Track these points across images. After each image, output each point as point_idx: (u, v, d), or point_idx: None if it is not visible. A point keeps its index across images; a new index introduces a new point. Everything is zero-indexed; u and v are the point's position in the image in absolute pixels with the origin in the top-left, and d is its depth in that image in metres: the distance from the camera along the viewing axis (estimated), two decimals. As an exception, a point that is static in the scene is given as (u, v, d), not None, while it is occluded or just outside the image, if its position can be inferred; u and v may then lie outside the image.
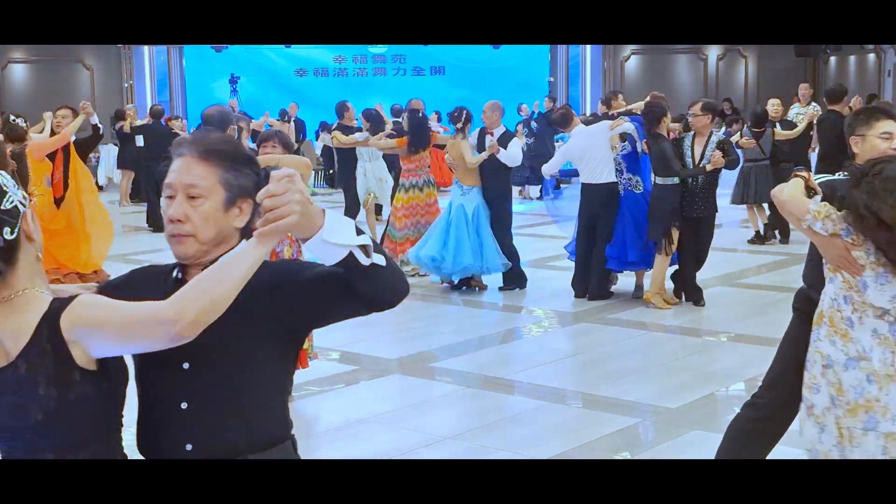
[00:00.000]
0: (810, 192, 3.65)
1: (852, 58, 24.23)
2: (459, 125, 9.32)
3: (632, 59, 25.43)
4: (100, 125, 9.59)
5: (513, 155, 9.05)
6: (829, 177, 3.69)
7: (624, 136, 8.61)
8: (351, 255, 2.08)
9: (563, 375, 6.55)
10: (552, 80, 24.50)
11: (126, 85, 24.11)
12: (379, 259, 2.11)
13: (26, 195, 2.18)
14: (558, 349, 7.25)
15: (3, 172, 2.14)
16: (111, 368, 2.17)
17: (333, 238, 2.08)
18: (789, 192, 3.67)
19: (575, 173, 9.58)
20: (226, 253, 2.25)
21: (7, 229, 2.10)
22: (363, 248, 2.09)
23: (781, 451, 4.10)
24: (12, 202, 2.12)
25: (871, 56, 23.36)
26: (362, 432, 5.52)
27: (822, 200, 3.57)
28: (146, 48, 23.79)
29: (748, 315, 8.17)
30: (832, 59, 24.85)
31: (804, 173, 3.70)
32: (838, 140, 9.48)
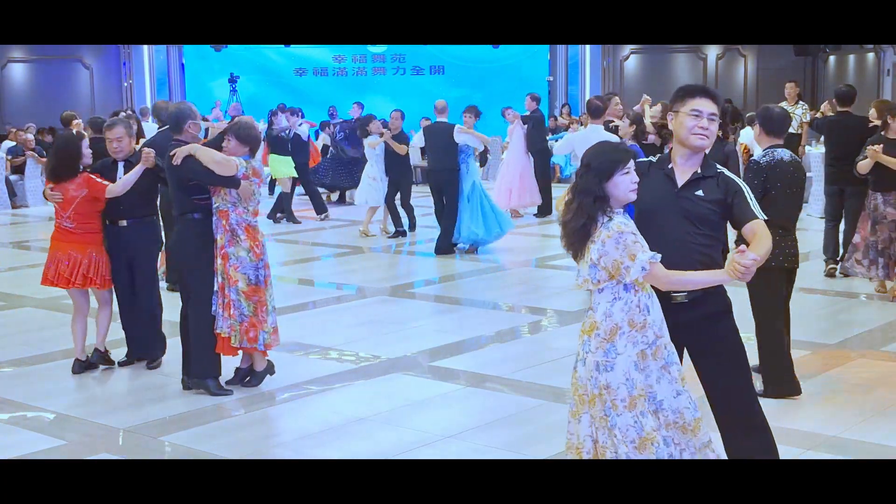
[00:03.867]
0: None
1: (851, 57, 24.20)
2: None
3: (631, 58, 25.42)
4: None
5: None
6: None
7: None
8: None
9: (563, 375, 6.54)
10: (551, 79, 24.49)
11: (125, 84, 24.12)
12: None
13: None
14: (558, 349, 7.24)
15: None
16: None
17: None
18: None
19: None
20: None
21: None
22: None
23: (782, 450, 4.10)
24: None
25: (871, 55, 23.32)
26: (362, 432, 5.52)
27: None
28: (146, 48, 23.78)
29: (743, 316, 8.13)
30: (831, 58, 24.82)
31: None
32: (855, 141, 9.44)
